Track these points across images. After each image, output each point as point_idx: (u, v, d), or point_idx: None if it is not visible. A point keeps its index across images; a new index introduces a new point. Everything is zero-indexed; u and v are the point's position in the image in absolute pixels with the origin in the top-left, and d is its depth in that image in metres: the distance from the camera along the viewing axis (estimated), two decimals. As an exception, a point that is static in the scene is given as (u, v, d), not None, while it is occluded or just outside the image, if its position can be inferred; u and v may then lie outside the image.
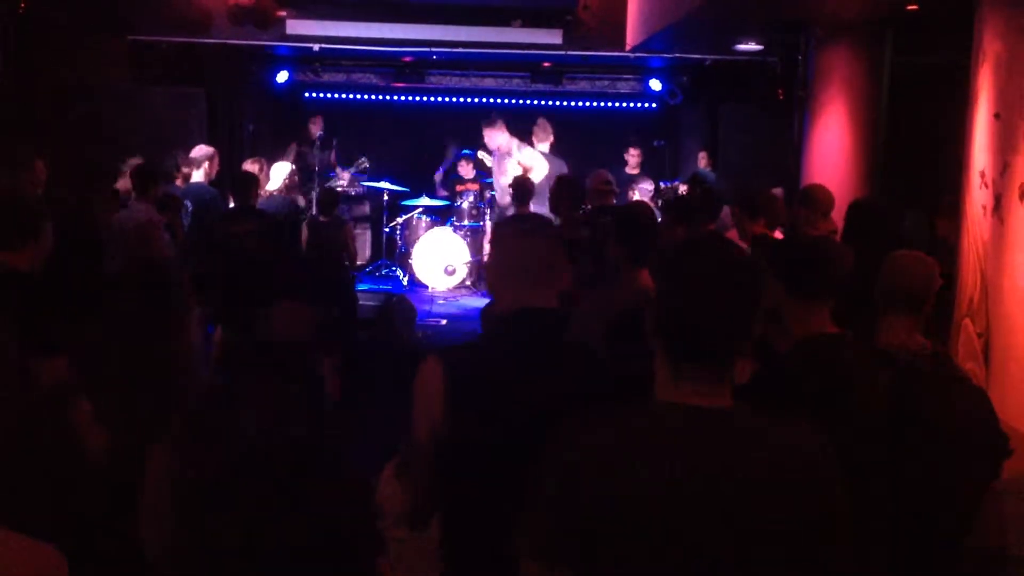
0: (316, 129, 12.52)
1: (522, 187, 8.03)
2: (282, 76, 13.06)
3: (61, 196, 7.79)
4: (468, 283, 11.67)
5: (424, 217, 12.16)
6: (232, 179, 8.41)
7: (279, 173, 9.05)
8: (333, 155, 12.62)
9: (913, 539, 2.99)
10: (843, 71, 8.89)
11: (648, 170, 12.46)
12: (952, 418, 3.04)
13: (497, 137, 10.55)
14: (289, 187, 8.90)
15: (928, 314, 3.37)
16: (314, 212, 9.66)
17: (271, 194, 8.82)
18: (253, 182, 7.84)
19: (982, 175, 5.44)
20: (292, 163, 10.79)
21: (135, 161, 8.10)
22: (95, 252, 6.20)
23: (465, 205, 12.07)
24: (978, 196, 5.47)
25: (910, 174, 8.74)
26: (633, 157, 12.35)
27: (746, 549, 1.84)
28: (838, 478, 1.93)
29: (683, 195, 7.65)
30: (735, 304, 1.95)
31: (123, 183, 8.02)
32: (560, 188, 7.20)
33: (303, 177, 11.14)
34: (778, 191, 7.25)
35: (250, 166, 9.23)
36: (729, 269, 1.97)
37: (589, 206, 7.34)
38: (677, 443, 1.89)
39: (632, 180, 11.65)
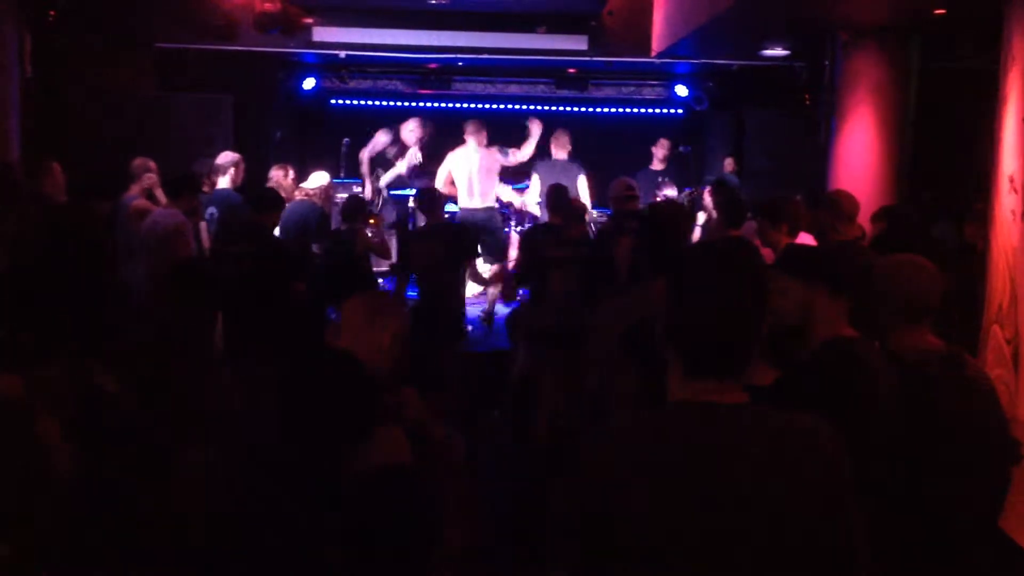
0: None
1: (556, 196, 8.03)
2: (309, 83, 13.11)
3: (87, 203, 7.86)
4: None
5: (449, 223, 12.15)
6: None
7: (317, 179, 9.07)
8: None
9: (928, 538, 2.97)
10: (870, 76, 8.84)
11: (673, 172, 12.41)
12: (959, 419, 3.03)
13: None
14: (322, 198, 8.90)
15: (954, 318, 3.35)
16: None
17: (306, 193, 8.84)
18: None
19: (1011, 180, 5.40)
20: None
21: (140, 161, 8.16)
22: (96, 258, 6.25)
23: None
24: (1007, 201, 5.42)
25: (938, 179, 8.69)
26: (661, 149, 12.25)
27: (771, 540, 1.85)
28: (849, 467, 1.94)
29: (737, 198, 7.62)
30: (744, 307, 1.97)
31: (136, 187, 8.08)
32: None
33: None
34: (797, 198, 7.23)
35: (276, 172, 9.27)
36: (737, 272, 1.99)
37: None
38: (696, 440, 1.90)
39: (656, 186, 11.61)
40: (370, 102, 14.17)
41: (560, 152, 10.76)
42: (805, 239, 6.18)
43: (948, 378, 3.10)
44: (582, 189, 10.48)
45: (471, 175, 10.36)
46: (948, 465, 3.00)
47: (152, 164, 8.19)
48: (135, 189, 8.06)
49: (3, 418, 2.46)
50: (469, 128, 10.51)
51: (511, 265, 10.39)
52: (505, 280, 8.95)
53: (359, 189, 11.25)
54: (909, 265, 3.28)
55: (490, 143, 10.64)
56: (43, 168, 7.45)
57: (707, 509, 1.85)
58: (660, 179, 11.82)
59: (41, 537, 2.36)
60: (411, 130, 11.14)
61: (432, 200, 8.03)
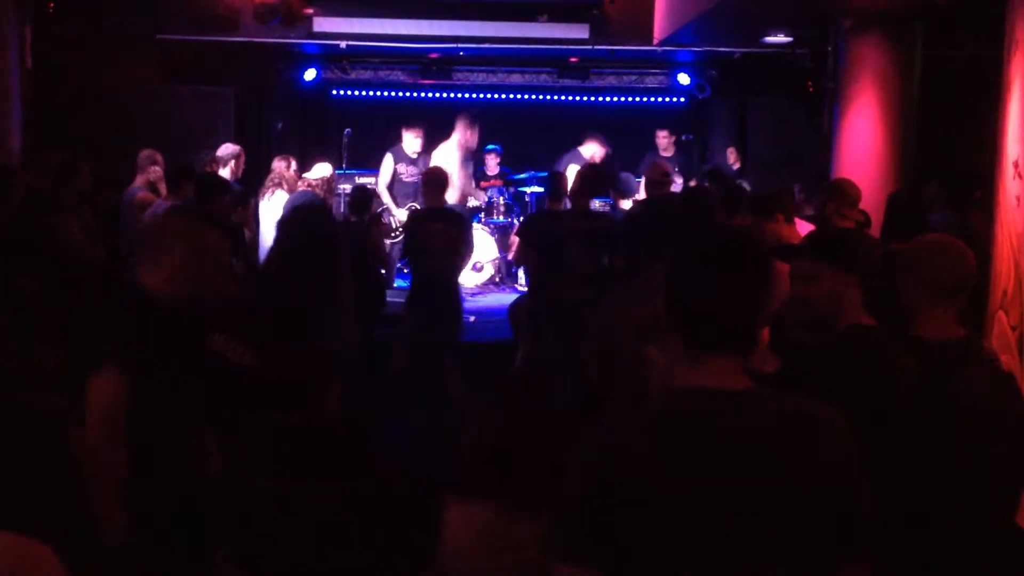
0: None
1: (555, 182, 8.05)
2: (310, 74, 13.08)
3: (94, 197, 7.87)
4: (496, 280, 11.65)
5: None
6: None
7: (320, 170, 9.06)
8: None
9: (942, 522, 2.96)
10: (873, 63, 8.80)
11: (678, 160, 12.39)
12: (978, 402, 3.01)
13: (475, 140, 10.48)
14: (324, 189, 8.87)
15: (963, 306, 3.32)
16: (346, 212, 9.62)
17: (308, 184, 8.81)
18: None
19: (1015, 166, 5.37)
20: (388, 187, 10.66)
21: (147, 153, 8.15)
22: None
23: (493, 201, 12.03)
24: (1011, 187, 5.39)
25: (941, 166, 8.65)
26: (663, 139, 12.22)
27: (774, 527, 1.85)
28: (857, 451, 1.95)
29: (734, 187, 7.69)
30: (746, 286, 1.96)
31: (141, 178, 8.07)
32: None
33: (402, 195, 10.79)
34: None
35: (279, 163, 9.26)
36: (739, 253, 1.99)
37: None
38: (700, 425, 1.90)
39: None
40: (371, 92, 14.14)
41: (589, 149, 10.72)
42: (803, 227, 6.18)
43: (966, 360, 3.09)
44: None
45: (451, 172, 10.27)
46: (967, 450, 2.98)
47: (159, 157, 8.19)
48: (140, 181, 8.06)
49: (38, 431, 2.46)
50: (458, 123, 10.39)
51: (510, 255, 10.40)
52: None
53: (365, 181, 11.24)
54: (939, 244, 3.26)
55: (491, 134, 10.64)
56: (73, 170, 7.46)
57: (715, 497, 1.84)
58: (671, 166, 11.79)
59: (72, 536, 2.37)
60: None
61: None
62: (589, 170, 7.77)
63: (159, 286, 3.24)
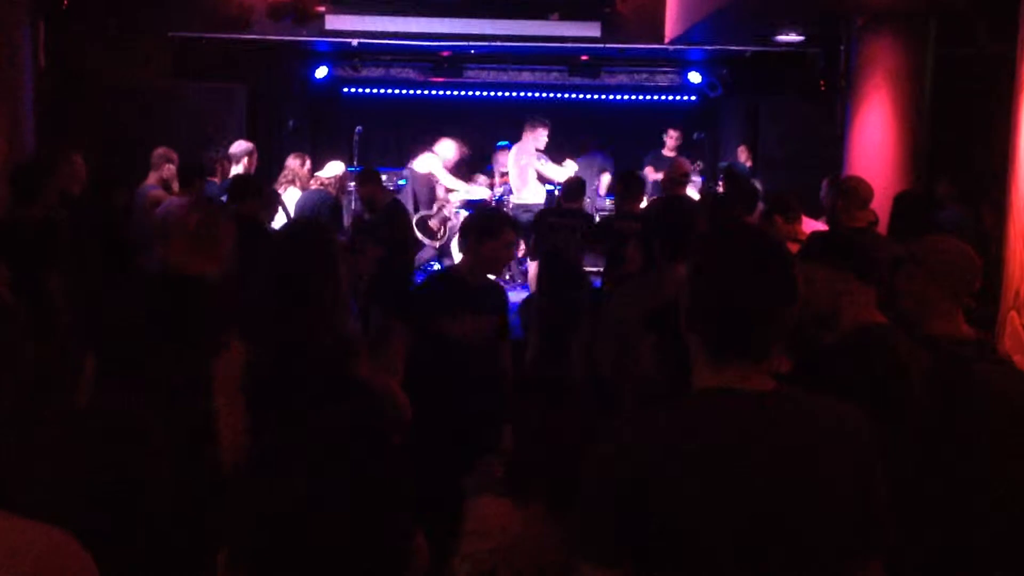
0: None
1: (571, 185, 8.13)
2: (321, 71, 13.10)
3: (103, 193, 7.89)
4: (507, 276, 11.65)
5: (463, 211, 12.12)
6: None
7: (333, 169, 9.09)
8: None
9: (956, 520, 2.96)
10: (886, 62, 8.78)
11: (688, 157, 12.38)
12: (993, 402, 3.02)
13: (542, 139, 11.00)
14: (337, 187, 8.90)
15: (971, 306, 3.33)
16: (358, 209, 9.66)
17: (320, 182, 8.83)
18: None
19: (1028, 165, 5.37)
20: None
21: (162, 151, 8.17)
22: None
23: (503, 198, 12.04)
24: (1024, 186, 5.39)
25: (954, 166, 8.63)
26: (671, 139, 12.25)
27: (797, 527, 1.86)
28: (877, 453, 1.96)
29: (749, 185, 7.74)
30: (771, 290, 1.95)
31: (154, 176, 8.09)
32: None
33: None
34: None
35: (293, 161, 9.29)
36: (763, 255, 1.98)
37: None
38: (723, 427, 1.89)
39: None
40: (382, 90, 14.16)
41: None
42: (810, 226, 6.20)
43: (980, 360, 3.10)
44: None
45: (512, 172, 10.96)
46: (984, 447, 2.98)
47: (174, 156, 8.20)
48: (153, 178, 8.08)
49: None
50: (525, 127, 11.05)
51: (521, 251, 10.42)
52: None
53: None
54: (946, 243, 3.28)
55: (502, 132, 10.79)
56: (64, 159, 7.47)
57: (739, 496, 1.84)
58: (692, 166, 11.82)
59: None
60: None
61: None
62: (630, 177, 7.81)
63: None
